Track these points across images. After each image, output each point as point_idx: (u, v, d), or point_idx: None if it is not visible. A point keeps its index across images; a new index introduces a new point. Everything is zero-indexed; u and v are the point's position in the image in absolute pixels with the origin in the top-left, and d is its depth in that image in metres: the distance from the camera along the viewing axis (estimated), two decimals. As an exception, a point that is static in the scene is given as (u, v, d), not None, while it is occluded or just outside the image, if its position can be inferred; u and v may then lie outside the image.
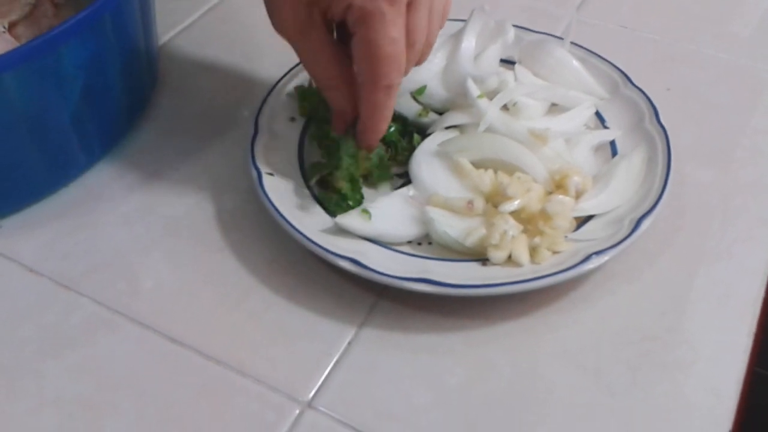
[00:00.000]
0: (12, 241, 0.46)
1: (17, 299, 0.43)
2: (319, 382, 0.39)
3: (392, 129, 0.50)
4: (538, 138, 0.46)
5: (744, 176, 0.49)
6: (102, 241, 0.46)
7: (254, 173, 0.46)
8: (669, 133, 0.47)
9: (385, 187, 0.48)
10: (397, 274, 0.41)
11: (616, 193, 0.44)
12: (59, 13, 0.54)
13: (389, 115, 0.44)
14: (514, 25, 0.53)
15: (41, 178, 0.48)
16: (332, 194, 0.45)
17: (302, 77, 0.53)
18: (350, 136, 0.46)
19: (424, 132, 0.50)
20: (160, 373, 0.40)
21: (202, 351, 0.40)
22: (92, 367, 0.40)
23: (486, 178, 0.45)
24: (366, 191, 0.47)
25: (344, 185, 0.45)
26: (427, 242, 0.44)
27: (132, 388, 0.39)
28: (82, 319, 0.42)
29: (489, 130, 0.47)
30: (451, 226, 0.43)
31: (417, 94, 0.52)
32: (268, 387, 0.39)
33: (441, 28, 0.45)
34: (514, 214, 0.43)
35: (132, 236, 0.46)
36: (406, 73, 0.42)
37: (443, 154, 0.47)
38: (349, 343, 0.41)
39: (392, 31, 0.40)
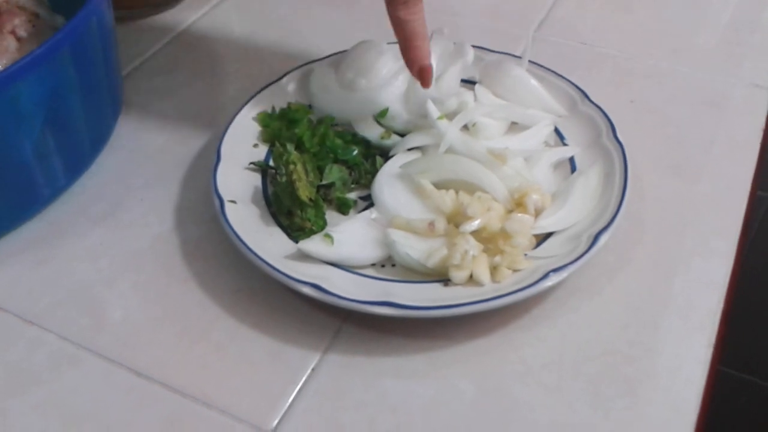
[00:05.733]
0: (-24, 278, 0.46)
1: (-19, 337, 0.43)
2: (283, 410, 0.39)
3: (355, 152, 0.51)
4: (498, 157, 0.46)
5: (703, 189, 0.50)
6: (66, 275, 0.46)
7: (217, 201, 0.46)
8: (628, 147, 0.48)
9: (348, 210, 0.48)
10: (360, 298, 0.41)
11: (574, 209, 0.45)
12: (22, 47, 0.54)
13: (418, 29, 0.45)
14: (473, 46, 0.54)
15: (4, 214, 0.48)
16: (294, 219, 0.46)
17: (265, 103, 0.53)
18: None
19: (386, 154, 0.50)
20: (125, 407, 0.40)
21: (167, 384, 0.41)
22: (57, 403, 0.40)
23: (447, 199, 0.46)
24: (329, 215, 0.47)
25: (308, 211, 0.46)
26: (390, 264, 0.45)
27: (97, 423, 0.39)
28: (47, 355, 0.42)
29: (449, 150, 0.48)
30: (413, 248, 0.43)
31: (379, 117, 0.52)
32: (233, 417, 0.39)
33: None
34: (475, 233, 0.44)
35: (96, 270, 0.46)
36: None
37: (405, 176, 0.48)
38: (313, 369, 0.41)
39: None
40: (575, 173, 0.48)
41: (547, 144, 0.51)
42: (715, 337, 0.42)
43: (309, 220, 0.46)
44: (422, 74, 0.47)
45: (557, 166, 0.49)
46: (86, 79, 0.49)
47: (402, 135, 0.51)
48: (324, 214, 0.47)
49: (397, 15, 0.45)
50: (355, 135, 0.52)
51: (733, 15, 0.66)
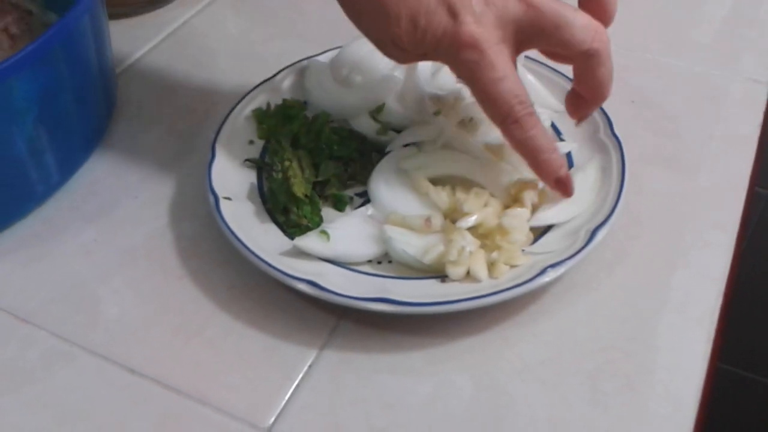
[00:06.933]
0: (-32, 276, 0.46)
1: (-26, 335, 0.43)
2: (280, 408, 0.39)
3: (351, 149, 0.50)
4: (494, 153, 0.46)
5: (700, 183, 0.50)
6: (60, 272, 0.46)
7: (211, 198, 0.46)
8: (626, 142, 0.48)
9: (344, 207, 0.48)
10: (356, 295, 0.40)
11: (574, 201, 0.44)
12: (15, 45, 0.54)
13: (539, 143, 0.41)
14: (470, 41, 0.54)
15: (-3, 211, 0.48)
16: (290, 216, 0.45)
17: (260, 100, 0.53)
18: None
19: (382, 150, 0.50)
20: (119, 405, 0.39)
21: (161, 381, 0.40)
22: (51, 401, 0.40)
23: (443, 195, 0.45)
24: (325, 212, 0.47)
25: (303, 207, 0.45)
26: (386, 261, 0.44)
27: (91, 421, 0.39)
28: (40, 353, 0.42)
29: (446, 146, 0.48)
30: (409, 244, 0.43)
31: (376, 113, 0.52)
32: (229, 415, 0.39)
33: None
34: (472, 229, 0.43)
35: (90, 267, 0.46)
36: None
37: (401, 172, 0.47)
38: (310, 367, 0.41)
39: (492, 72, 0.40)
40: (573, 169, 0.47)
41: (544, 139, 0.50)
42: (714, 332, 0.41)
43: (305, 217, 0.45)
44: (560, 187, 0.42)
45: (554, 161, 0.49)
46: (79, 75, 0.49)
47: (398, 131, 0.51)
48: (320, 210, 0.46)
49: (512, 136, 0.41)
50: (351, 131, 0.52)
51: (732, 9, 0.66)
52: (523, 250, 0.43)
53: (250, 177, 0.49)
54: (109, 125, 0.55)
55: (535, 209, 0.44)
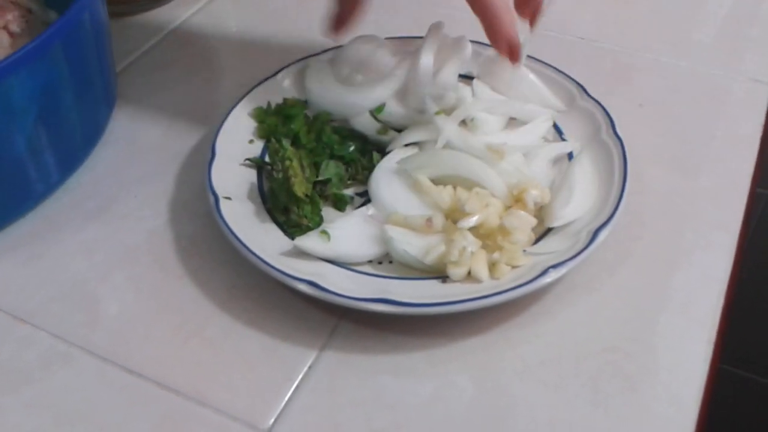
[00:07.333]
0: (-33, 275, 0.46)
1: (-28, 335, 0.43)
2: (279, 409, 0.39)
3: (351, 148, 0.50)
4: (496, 153, 0.46)
5: (702, 183, 0.50)
6: (59, 271, 0.46)
7: (212, 198, 0.45)
8: (628, 142, 0.48)
9: (344, 206, 0.47)
10: (357, 296, 0.40)
11: (583, 194, 0.45)
12: (15, 43, 0.54)
13: (501, 4, 0.42)
14: (472, 41, 0.54)
15: (-4, 210, 0.47)
16: (290, 216, 0.45)
17: (260, 99, 0.53)
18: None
19: (383, 150, 0.50)
20: (118, 406, 0.39)
21: (160, 382, 0.40)
22: (50, 402, 0.40)
23: (445, 195, 0.45)
24: (326, 211, 0.47)
25: (304, 207, 0.45)
26: (387, 261, 0.44)
27: (90, 422, 0.39)
28: (39, 353, 0.42)
29: (447, 146, 0.48)
30: (411, 245, 0.43)
31: (376, 113, 0.52)
32: (228, 416, 0.38)
33: None
34: (473, 229, 0.43)
35: (90, 265, 0.46)
36: None
37: (402, 172, 0.47)
38: (310, 367, 0.40)
39: None
40: (570, 162, 0.47)
41: (545, 139, 0.50)
42: (716, 333, 0.41)
43: (305, 217, 0.45)
44: (512, 51, 0.43)
45: (556, 161, 0.49)
46: (79, 74, 0.48)
47: (399, 130, 0.51)
48: (320, 210, 0.46)
49: None
50: (351, 130, 0.52)
51: (732, 8, 0.65)
52: (524, 251, 0.43)
53: (250, 176, 0.49)
54: (109, 123, 0.55)
55: (537, 210, 0.44)
